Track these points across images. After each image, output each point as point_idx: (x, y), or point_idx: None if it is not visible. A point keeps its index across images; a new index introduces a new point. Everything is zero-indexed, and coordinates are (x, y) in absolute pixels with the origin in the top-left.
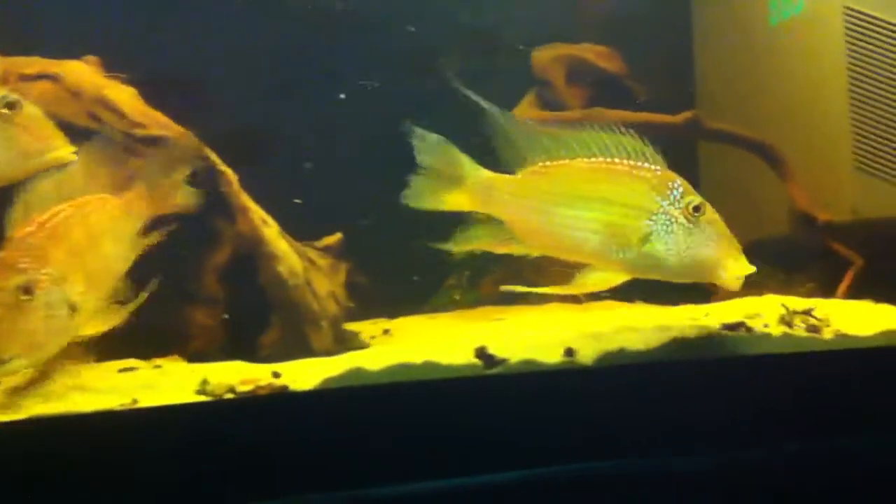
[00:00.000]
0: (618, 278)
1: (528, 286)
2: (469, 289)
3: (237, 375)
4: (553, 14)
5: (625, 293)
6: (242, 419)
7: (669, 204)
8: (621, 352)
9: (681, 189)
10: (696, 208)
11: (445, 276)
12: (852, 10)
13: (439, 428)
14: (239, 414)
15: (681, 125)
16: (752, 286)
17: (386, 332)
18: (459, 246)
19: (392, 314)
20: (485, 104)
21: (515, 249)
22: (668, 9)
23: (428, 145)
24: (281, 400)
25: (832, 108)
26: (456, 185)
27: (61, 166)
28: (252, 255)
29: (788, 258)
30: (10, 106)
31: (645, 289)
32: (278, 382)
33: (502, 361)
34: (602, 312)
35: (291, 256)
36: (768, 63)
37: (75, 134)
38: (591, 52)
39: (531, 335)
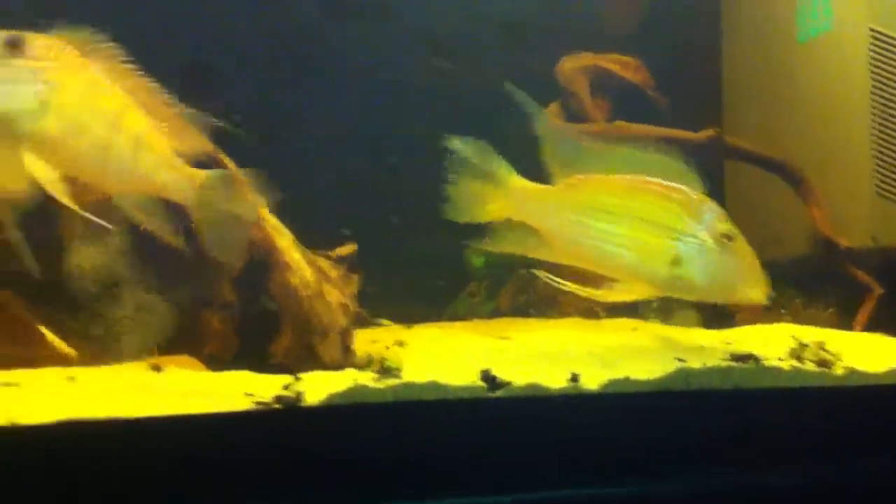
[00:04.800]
0: (645, 293)
1: (547, 297)
2: (488, 298)
3: (245, 386)
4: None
5: (641, 310)
6: (249, 431)
7: (702, 228)
8: (626, 379)
9: (714, 214)
10: (727, 236)
11: (465, 284)
12: (877, 32)
13: (438, 449)
14: (245, 426)
15: (702, 142)
16: (773, 307)
17: (399, 343)
18: (493, 247)
19: (409, 319)
20: (534, 108)
21: (545, 256)
22: (696, 21)
23: (467, 151)
24: (287, 414)
25: (854, 132)
26: (493, 194)
27: None
28: (264, 264)
29: (810, 281)
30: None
31: (664, 307)
32: (286, 395)
33: (506, 384)
34: (610, 335)
35: (304, 267)
36: (793, 82)
37: None
38: (617, 63)
39: (538, 357)
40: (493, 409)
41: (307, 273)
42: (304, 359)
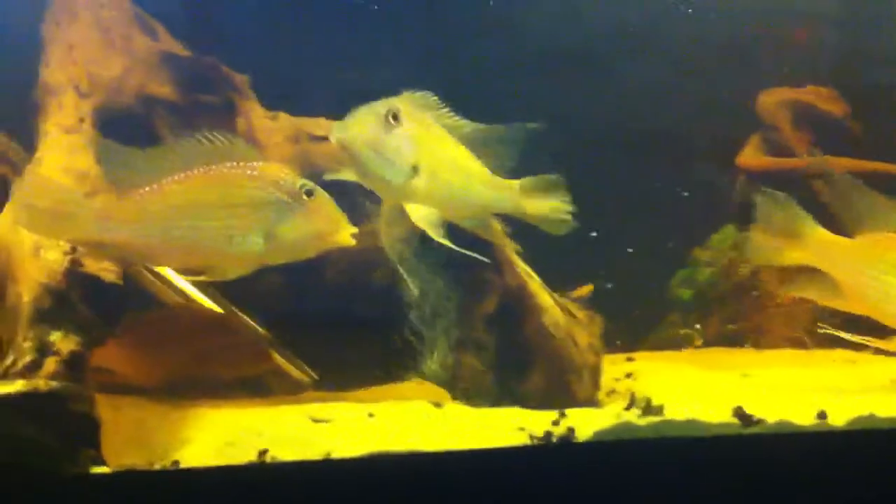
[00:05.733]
0: None
1: (755, 327)
2: (690, 328)
3: (514, 421)
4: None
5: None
6: (528, 464)
7: None
8: (871, 416)
9: None
10: None
11: (665, 313)
12: None
13: (696, 481)
14: (524, 460)
15: None
16: None
17: (628, 375)
18: (790, 292)
19: (617, 347)
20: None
21: (840, 305)
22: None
23: (774, 203)
24: (561, 449)
25: None
26: (796, 241)
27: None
28: (518, 306)
29: None
30: (308, 193)
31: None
32: (559, 431)
33: (759, 422)
34: (848, 371)
35: (554, 309)
36: None
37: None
38: (815, 95)
39: (784, 394)
40: (747, 447)
41: (558, 315)
42: (559, 395)
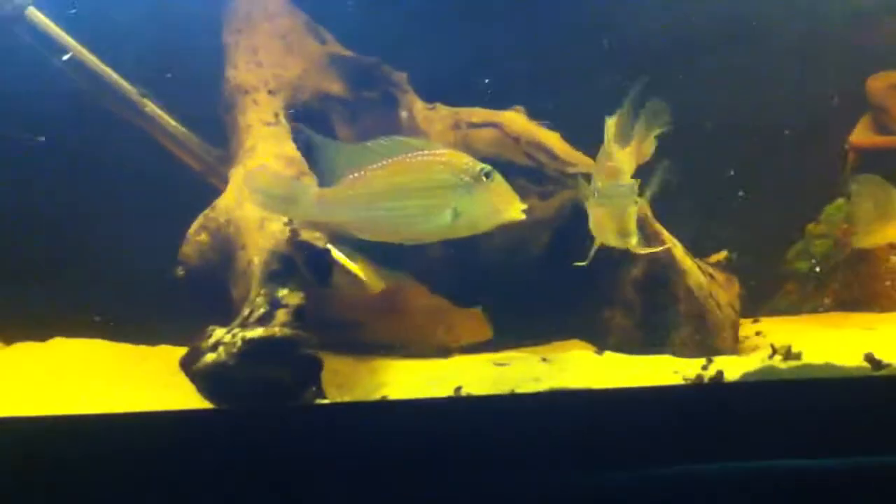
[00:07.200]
0: None
1: (871, 292)
2: (810, 295)
3: (669, 366)
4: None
5: None
6: (683, 402)
7: None
8: None
9: None
10: None
11: (782, 282)
12: None
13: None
14: (679, 397)
15: None
16: None
17: (758, 333)
18: None
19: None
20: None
21: None
22: None
23: (868, 187)
24: (714, 388)
25: None
26: (893, 219)
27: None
28: (664, 271)
29: None
30: (487, 176)
31: None
32: (707, 374)
33: (888, 365)
34: None
35: (697, 272)
36: None
37: (517, 171)
38: None
39: None
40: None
41: (701, 277)
42: (702, 348)
